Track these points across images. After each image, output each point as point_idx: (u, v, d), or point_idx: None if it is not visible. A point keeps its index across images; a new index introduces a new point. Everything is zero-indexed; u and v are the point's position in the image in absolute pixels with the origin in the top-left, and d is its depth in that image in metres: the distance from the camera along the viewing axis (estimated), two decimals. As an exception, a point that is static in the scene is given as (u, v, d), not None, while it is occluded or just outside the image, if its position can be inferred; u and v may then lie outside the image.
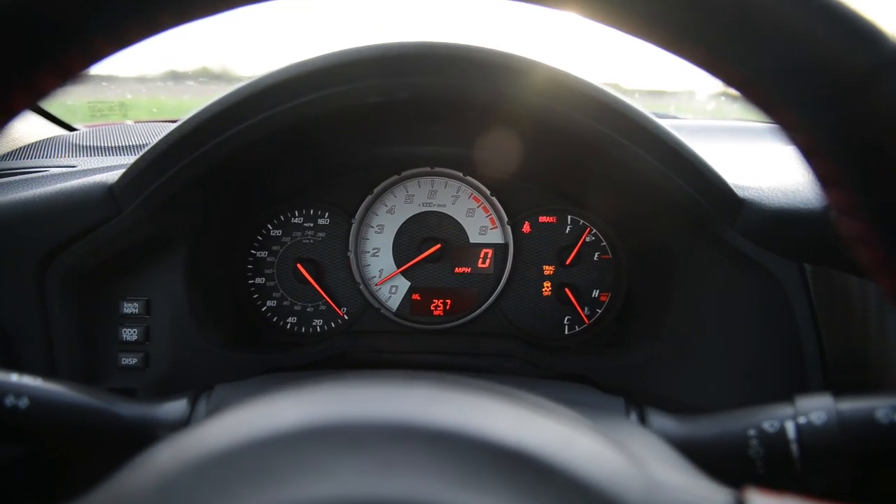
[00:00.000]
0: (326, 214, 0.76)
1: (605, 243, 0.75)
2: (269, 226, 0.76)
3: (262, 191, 0.72)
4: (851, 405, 0.46)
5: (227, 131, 0.53)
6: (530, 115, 0.52)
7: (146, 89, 1.40)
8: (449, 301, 0.76)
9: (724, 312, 0.63)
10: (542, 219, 0.75)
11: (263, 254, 0.76)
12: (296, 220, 0.76)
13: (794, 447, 0.45)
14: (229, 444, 0.23)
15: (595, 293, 0.75)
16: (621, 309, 0.75)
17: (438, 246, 0.74)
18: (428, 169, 0.74)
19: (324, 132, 0.61)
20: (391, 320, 0.76)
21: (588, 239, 0.75)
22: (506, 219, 0.74)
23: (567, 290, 0.74)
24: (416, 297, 0.77)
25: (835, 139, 0.24)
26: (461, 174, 0.74)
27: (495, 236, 0.76)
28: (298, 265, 0.75)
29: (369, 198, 0.74)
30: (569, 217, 0.75)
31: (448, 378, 0.28)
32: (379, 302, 0.76)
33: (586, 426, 0.29)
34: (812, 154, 0.24)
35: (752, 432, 0.47)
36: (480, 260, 0.76)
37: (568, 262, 0.74)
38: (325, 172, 0.74)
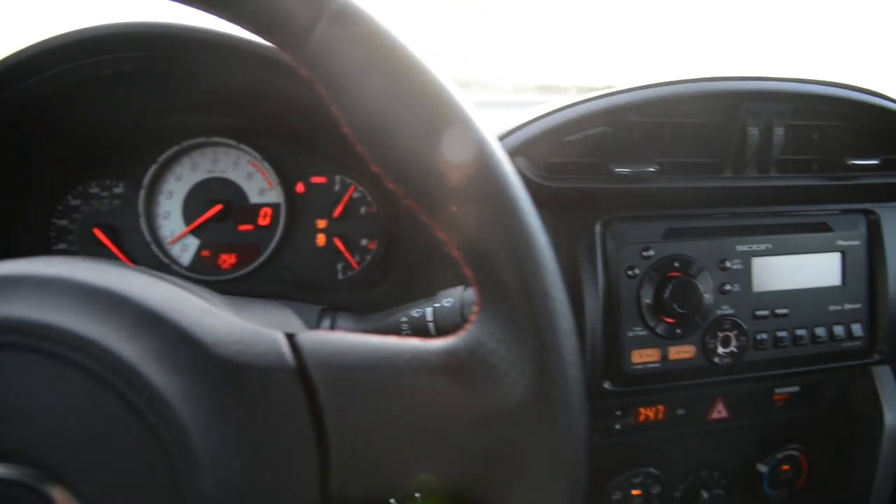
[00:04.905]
0: (121, 184, 0.85)
1: (370, 198, 0.87)
2: (68, 197, 0.84)
3: (53, 163, 0.81)
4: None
5: None
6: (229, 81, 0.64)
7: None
8: (234, 255, 0.87)
9: (436, 245, 0.75)
10: (314, 179, 0.87)
11: (64, 222, 0.85)
12: (93, 191, 0.85)
13: (430, 326, 0.57)
14: None
15: (363, 242, 0.87)
16: (385, 254, 0.86)
17: (220, 207, 0.85)
18: (205, 139, 0.84)
19: (90, 104, 0.71)
20: (183, 275, 0.85)
21: (354, 195, 0.86)
22: (277, 181, 0.85)
23: (337, 240, 0.86)
24: (205, 253, 0.87)
25: (318, 75, 0.35)
26: (235, 142, 0.84)
27: (273, 196, 0.87)
28: (95, 230, 0.83)
29: (154, 167, 0.83)
30: (337, 177, 0.87)
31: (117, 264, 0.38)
32: (171, 259, 0.85)
33: (186, 287, 0.39)
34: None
35: (403, 319, 0.59)
36: (261, 218, 0.87)
37: (335, 215, 0.86)
38: (113, 144, 0.83)
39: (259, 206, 0.87)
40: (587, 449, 0.38)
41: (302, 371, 0.35)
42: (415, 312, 0.60)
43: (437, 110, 0.35)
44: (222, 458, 0.32)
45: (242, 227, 0.87)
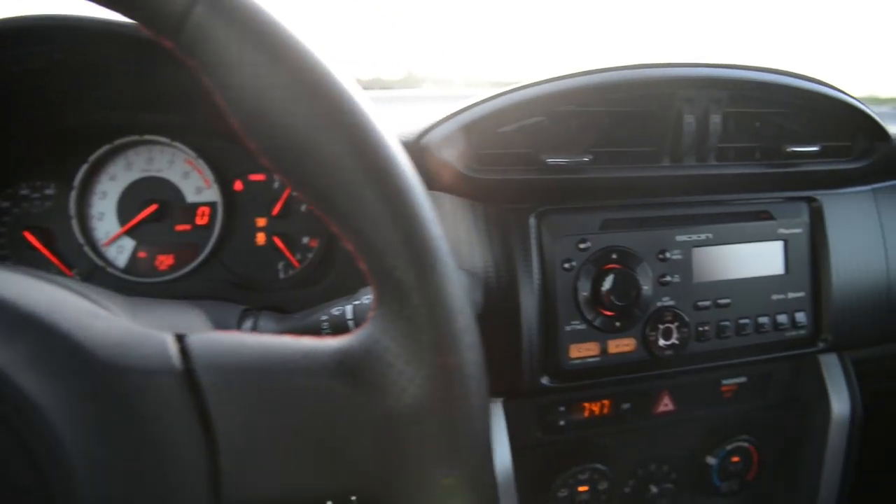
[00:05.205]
0: (52, 185, 0.83)
1: (311, 195, 0.85)
2: (-3, 199, 0.82)
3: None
4: None
5: None
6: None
7: None
8: (172, 256, 0.85)
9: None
10: (252, 177, 0.85)
11: (-6, 226, 0.82)
12: (23, 192, 0.83)
13: (350, 323, 0.55)
14: None
15: (304, 240, 0.85)
16: (326, 251, 0.85)
17: (155, 207, 0.82)
18: (138, 137, 0.82)
19: (10, 101, 0.69)
20: (119, 277, 0.83)
21: (294, 192, 0.84)
22: (214, 179, 0.83)
23: (277, 238, 0.84)
24: (141, 254, 0.84)
25: (199, 63, 0.33)
26: (168, 140, 0.82)
27: (210, 195, 0.85)
28: (25, 233, 0.81)
29: (85, 167, 0.81)
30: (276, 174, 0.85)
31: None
32: (106, 261, 0.83)
33: (73, 288, 0.37)
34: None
35: (323, 317, 0.57)
36: (199, 217, 0.85)
37: (275, 213, 0.84)
38: (42, 144, 0.81)
39: (196, 206, 0.85)
40: (489, 450, 0.36)
41: (189, 374, 0.33)
42: (335, 311, 0.58)
43: (321, 98, 0.33)
44: (101, 468, 0.30)
45: (180, 227, 0.85)
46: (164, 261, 0.85)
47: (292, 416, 0.34)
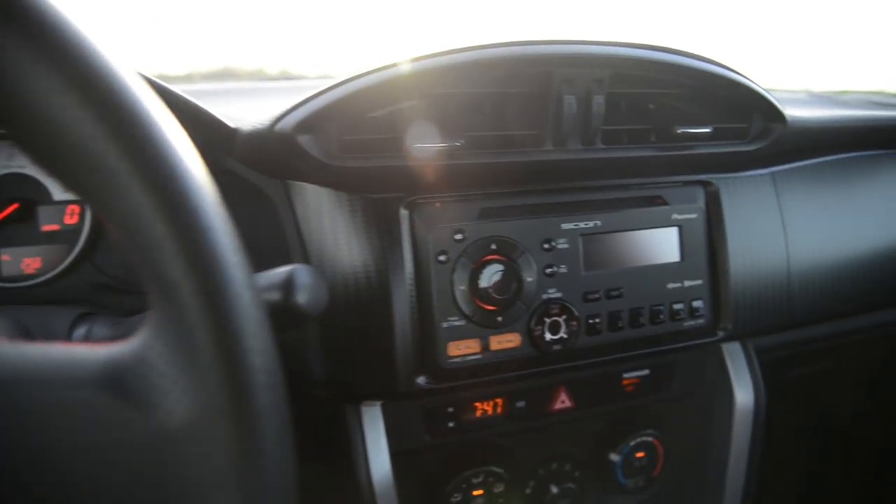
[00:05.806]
0: None
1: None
2: None
3: None
4: None
5: None
6: None
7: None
8: (39, 258, 0.79)
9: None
10: (125, 172, 0.79)
11: None
12: None
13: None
14: None
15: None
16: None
17: (15, 206, 0.77)
18: (-6, 132, 0.76)
19: None
20: (-21, 283, 0.77)
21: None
22: (81, 173, 0.77)
23: (155, 236, 0.78)
24: (5, 257, 0.79)
25: None
26: (29, 134, 0.76)
27: (79, 192, 0.79)
28: None
29: (-64, 165, 0.75)
30: (152, 167, 0.79)
31: None
32: (-36, 266, 0.77)
33: None
34: None
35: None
36: (68, 216, 0.79)
37: (152, 209, 0.79)
38: None
39: (65, 204, 0.79)
40: (288, 474, 0.32)
41: None
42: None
43: (67, 69, 0.29)
44: None
45: (47, 228, 0.79)
46: (31, 264, 0.79)
47: (53, 434, 0.30)
